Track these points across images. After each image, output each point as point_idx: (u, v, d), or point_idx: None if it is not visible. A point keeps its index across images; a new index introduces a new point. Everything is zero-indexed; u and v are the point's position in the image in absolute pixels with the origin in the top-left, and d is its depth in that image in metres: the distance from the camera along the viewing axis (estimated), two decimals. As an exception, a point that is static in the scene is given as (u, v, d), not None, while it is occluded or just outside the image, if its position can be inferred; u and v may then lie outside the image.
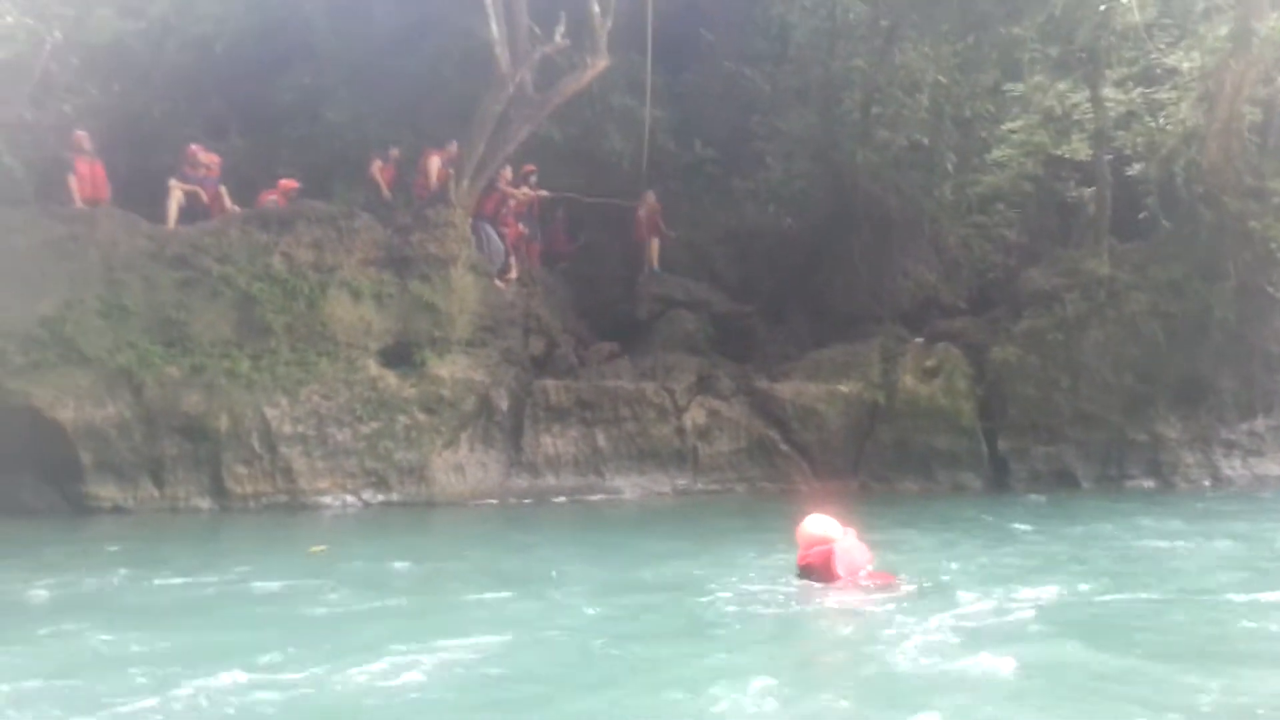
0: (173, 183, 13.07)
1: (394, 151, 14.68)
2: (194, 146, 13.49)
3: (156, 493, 11.73)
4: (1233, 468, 13.57)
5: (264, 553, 9.04)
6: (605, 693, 4.78)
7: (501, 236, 14.52)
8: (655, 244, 16.08)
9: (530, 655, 5.46)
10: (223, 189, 13.42)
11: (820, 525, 6.92)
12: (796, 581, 6.90)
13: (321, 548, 8.92)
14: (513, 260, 14.56)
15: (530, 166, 15.34)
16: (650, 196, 16.05)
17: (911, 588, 6.85)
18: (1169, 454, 13.56)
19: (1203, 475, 13.50)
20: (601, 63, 14.60)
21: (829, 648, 5.87)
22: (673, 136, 17.03)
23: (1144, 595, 6.86)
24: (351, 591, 7.07)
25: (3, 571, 7.94)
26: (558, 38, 14.48)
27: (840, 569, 6.68)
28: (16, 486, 11.48)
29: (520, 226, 15.07)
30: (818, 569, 6.76)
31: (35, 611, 6.69)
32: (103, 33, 13.19)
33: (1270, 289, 13.35)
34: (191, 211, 13.11)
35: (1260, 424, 13.69)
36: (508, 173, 14.80)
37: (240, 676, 4.91)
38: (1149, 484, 13.40)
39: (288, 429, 12.10)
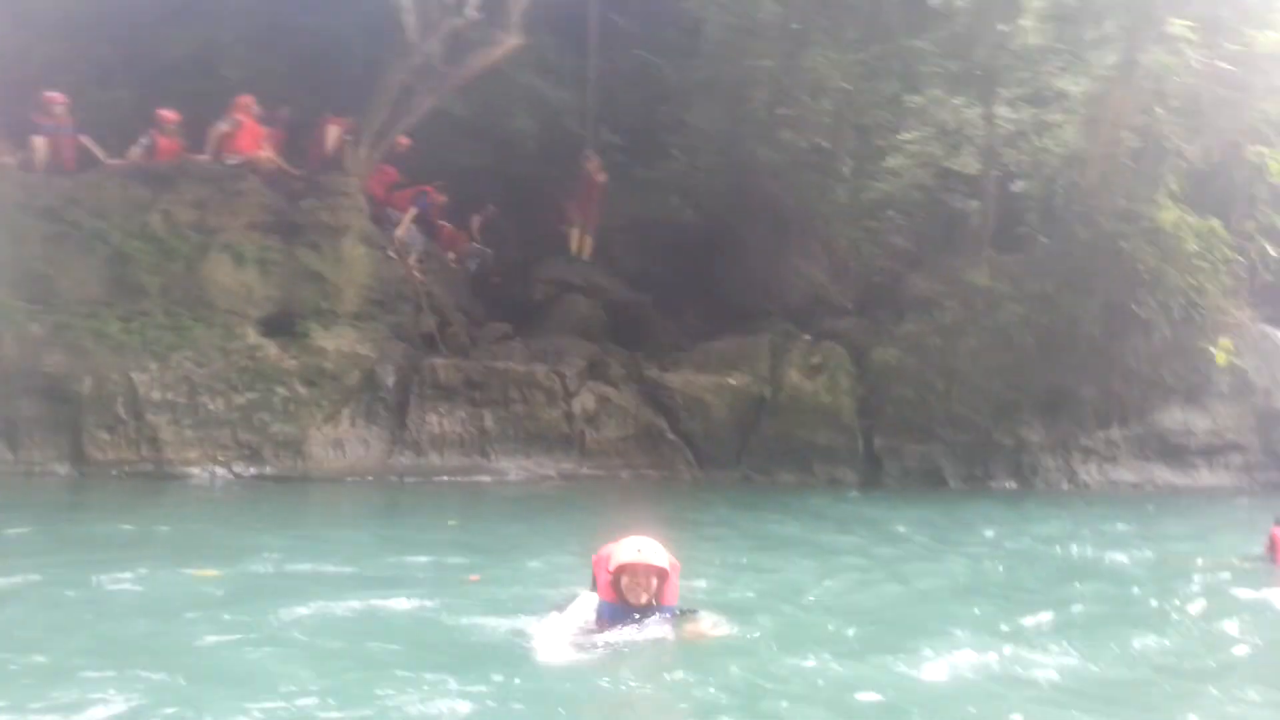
0: (37, 140, 12.35)
1: (283, 112, 14.24)
2: (49, 93, 12.77)
3: (10, 455, 11.18)
4: (1089, 473, 14.31)
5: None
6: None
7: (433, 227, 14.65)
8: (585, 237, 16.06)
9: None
10: (85, 139, 12.74)
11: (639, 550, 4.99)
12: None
13: (211, 572, 6.96)
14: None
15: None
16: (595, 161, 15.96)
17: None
18: (1031, 457, 14.23)
19: (1061, 479, 14.21)
20: (513, 40, 14.46)
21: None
22: (578, 121, 16.96)
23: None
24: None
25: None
26: (470, 10, 14.26)
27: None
28: None
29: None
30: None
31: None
32: (-23, -34, 12.43)
33: (1134, 307, 14.05)
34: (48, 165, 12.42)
35: (1116, 433, 14.46)
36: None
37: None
38: (1011, 485, 14.04)
39: (156, 395, 11.67)
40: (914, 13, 15.93)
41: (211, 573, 6.58)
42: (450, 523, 9.47)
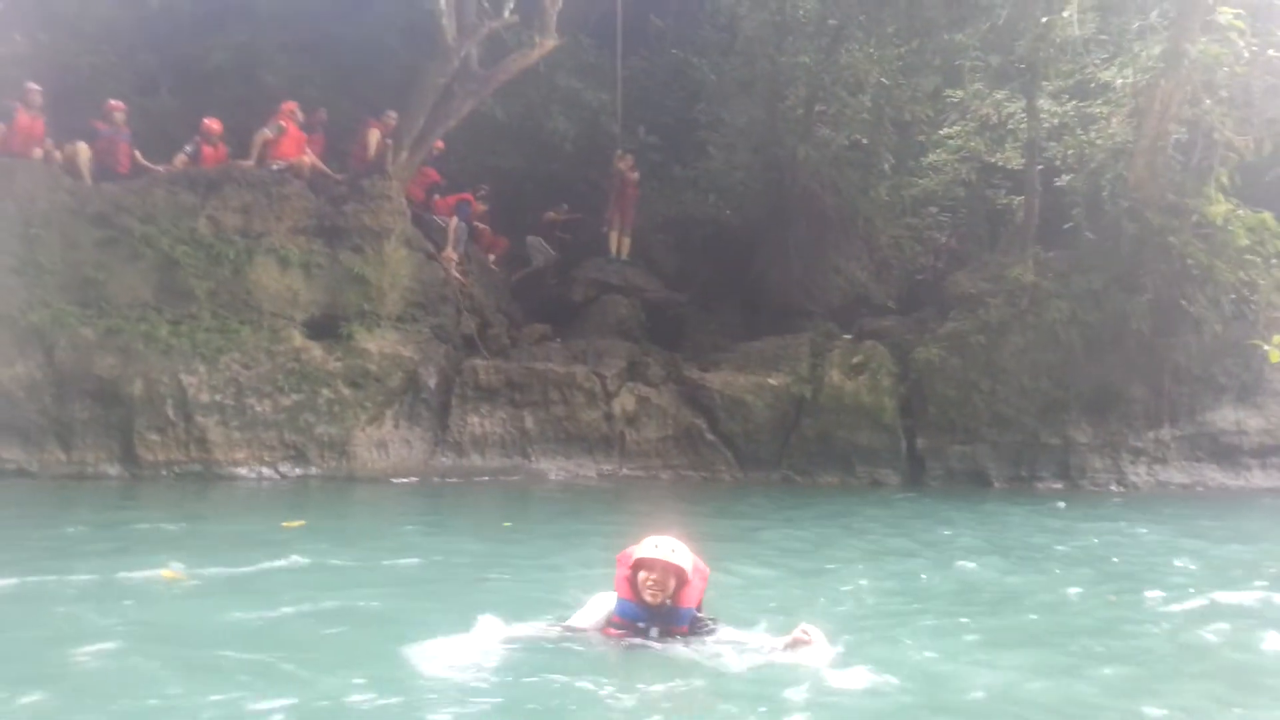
0: (80, 145, 12.61)
1: (321, 113, 14.40)
2: (111, 101, 13.02)
3: (63, 456, 11.42)
4: (1138, 474, 13.99)
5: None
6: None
7: (472, 229, 14.83)
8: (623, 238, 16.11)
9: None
10: (136, 153, 13.01)
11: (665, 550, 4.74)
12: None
13: (298, 522, 8.17)
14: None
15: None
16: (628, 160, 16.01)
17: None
18: (1078, 458, 13.94)
19: (1109, 480, 13.90)
20: (550, 42, 14.50)
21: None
22: (616, 121, 16.99)
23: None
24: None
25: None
26: (506, 13, 14.34)
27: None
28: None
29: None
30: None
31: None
32: (30, -23, 12.70)
33: (1184, 303, 13.75)
34: (100, 170, 12.65)
35: (1166, 433, 14.12)
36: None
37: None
38: (1058, 486, 13.77)
39: (205, 397, 11.86)
40: (954, 6, 15.75)
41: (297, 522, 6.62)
42: (505, 524, 9.51)
